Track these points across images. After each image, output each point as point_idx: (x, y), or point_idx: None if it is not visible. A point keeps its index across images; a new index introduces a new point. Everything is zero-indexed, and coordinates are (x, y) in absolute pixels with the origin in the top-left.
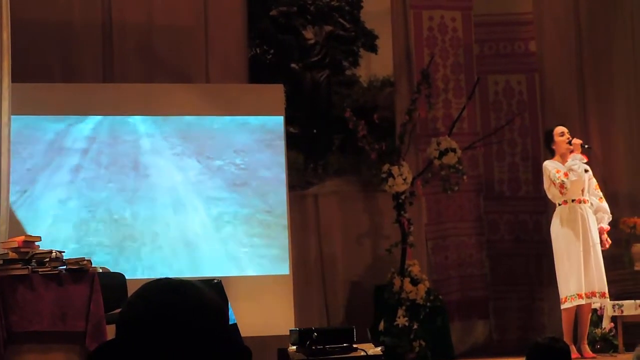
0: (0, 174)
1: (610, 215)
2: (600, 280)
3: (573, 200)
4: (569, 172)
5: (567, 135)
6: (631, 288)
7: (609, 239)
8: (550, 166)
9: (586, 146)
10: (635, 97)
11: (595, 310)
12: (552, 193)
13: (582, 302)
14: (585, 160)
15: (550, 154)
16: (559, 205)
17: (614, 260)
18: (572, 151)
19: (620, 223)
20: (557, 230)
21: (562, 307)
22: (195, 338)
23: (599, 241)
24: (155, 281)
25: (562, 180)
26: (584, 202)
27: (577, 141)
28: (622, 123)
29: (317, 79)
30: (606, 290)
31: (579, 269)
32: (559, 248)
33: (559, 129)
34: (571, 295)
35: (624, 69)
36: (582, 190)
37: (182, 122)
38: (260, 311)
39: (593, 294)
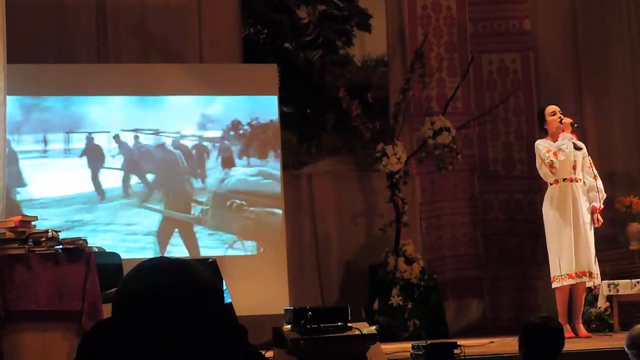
0: None
1: (604, 194)
2: (589, 260)
3: (564, 180)
4: (558, 151)
5: (559, 115)
6: (627, 267)
7: (600, 219)
8: (541, 145)
9: (575, 125)
10: (630, 75)
11: (590, 289)
12: (543, 172)
13: (572, 281)
14: (575, 139)
15: (544, 133)
16: (550, 184)
17: (610, 239)
18: (563, 130)
19: (616, 202)
20: (548, 209)
21: (553, 286)
22: (190, 317)
23: (589, 220)
24: (151, 260)
25: (551, 160)
26: (576, 181)
27: (567, 120)
28: (617, 101)
29: (311, 59)
30: (594, 270)
31: (569, 249)
32: (549, 227)
33: (551, 108)
34: (561, 275)
35: (619, 47)
36: (575, 169)
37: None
38: (254, 290)
39: (583, 274)
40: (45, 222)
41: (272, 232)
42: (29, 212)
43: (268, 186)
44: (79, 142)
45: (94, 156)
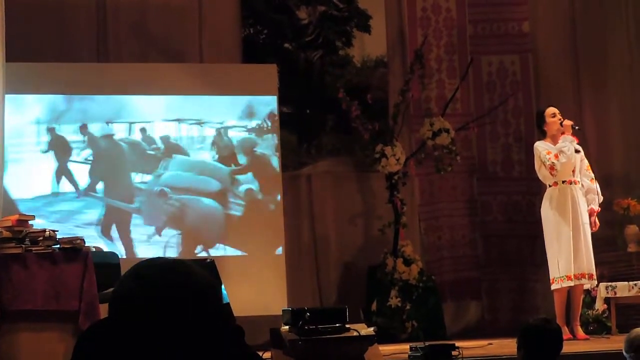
0: None
1: (601, 197)
2: (588, 261)
3: (563, 182)
4: (559, 153)
5: (559, 117)
6: (624, 269)
7: (597, 221)
8: (541, 147)
9: (576, 127)
10: (629, 78)
11: (588, 291)
12: (542, 174)
13: (571, 283)
14: (576, 142)
15: (542, 135)
16: (550, 186)
17: (608, 241)
18: (563, 132)
19: (613, 204)
20: (547, 211)
21: (552, 288)
22: (188, 317)
23: (588, 222)
24: (148, 260)
25: (552, 162)
26: (575, 183)
27: (567, 122)
28: (616, 104)
29: (311, 59)
30: (594, 272)
31: (568, 251)
32: (548, 229)
33: (551, 110)
34: (559, 277)
35: (618, 50)
36: (573, 172)
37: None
38: (253, 291)
39: (582, 276)
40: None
41: (270, 232)
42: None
43: (267, 186)
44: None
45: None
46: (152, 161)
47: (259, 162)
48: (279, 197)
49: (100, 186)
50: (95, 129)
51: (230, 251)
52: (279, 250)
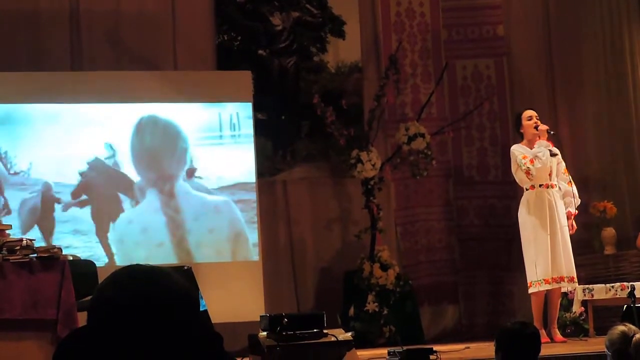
0: None
1: (579, 199)
2: (568, 264)
3: (540, 186)
4: (535, 159)
5: (535, 120)
6: (601, 272)
7: (575, 224)
8: (517, 151)
9: (552, 132)
10: (604, 81)
11: (565, 294)
12: (519, 177)
13: (549, 287)
14: (551, 147)
15: (520, 138)
16: (527, 190)
17: (584, 244)
18: (539, 137)
19: (590, 207)
20: (525, 215)
21: (529, 291)
22: (166, 324)
23: (567, 225)
24: (126, 268)
25: (528, 167)
26: (552, 186)
27: (543, 127)
28: (591, 107)
29: (285, 65)
30: (574, 275)
31: (546, 255)
32: (526, 233)
33: (527, 112)
34: (537, 281)
35: (593, 53)
36: (550, 175)
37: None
38: (230, 298)
39: (561, 279)
40: None
41: (247, 239)
42: None
43: (243, 192)
44: None
45: None
46: None
47: (235, 169)
48: (255, 203)
49: None
50: None
51: (207, 258)
52: (256, 257)
